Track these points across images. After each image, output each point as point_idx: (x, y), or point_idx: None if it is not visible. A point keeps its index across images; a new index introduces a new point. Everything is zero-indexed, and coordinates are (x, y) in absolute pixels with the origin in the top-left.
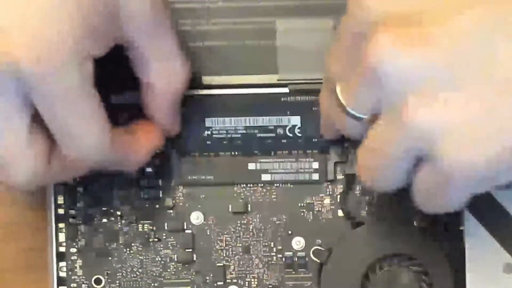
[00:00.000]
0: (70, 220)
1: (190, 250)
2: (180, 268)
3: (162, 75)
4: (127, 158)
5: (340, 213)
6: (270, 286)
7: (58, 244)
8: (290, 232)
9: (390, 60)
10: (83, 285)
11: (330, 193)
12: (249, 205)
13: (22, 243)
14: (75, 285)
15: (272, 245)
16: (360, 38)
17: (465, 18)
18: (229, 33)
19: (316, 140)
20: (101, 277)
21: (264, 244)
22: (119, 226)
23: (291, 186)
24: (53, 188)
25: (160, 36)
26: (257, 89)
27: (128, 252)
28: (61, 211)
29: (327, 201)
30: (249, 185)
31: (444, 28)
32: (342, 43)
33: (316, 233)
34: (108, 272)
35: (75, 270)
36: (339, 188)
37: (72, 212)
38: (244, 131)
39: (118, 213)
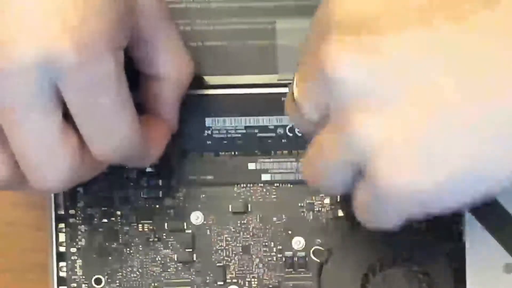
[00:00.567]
0: (70, 220)
1: (190, 250)
2: (180, 268)
3: (173, 67)
4: (148, 151)
5: (340, 213)
6: (270, 286)
7: (58, 244)
8: (290, 232)
9: (338, 67)
10: (83, 285)
11: None
12: (249, 205)
13: (22, 243)
14: (75, 285)
15: (272, 245)
16: (320, 36)
17: (422, 31)
18: (229, 33)
19: None
20: (101, 277)
21: (264, 244)
22: (119, 226)
23: (291, 186)
24: None
25: (168, 29)
26: (257, 89)
27: (128, 252)
28: (61, 211)
29: (327, 201)
30: (249, 185)
31: (396, 39)
32: (308, 39)
33: (316, 233)
34: (108, 272)
35: (75, 270)
36: None
37: (72, 212)
38: (244, 131)
39: (118, 213)
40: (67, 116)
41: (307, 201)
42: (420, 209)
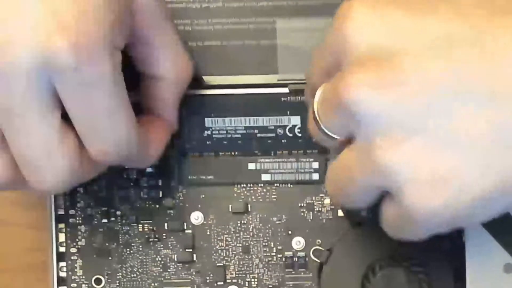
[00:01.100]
0: (70, 220)
1: (190, 250)
2: (180, 268)
3: (172, 66)
4: (147, 152)
5: (340, 213)
6: (270, 286)
7: (58, 244)
8: (290, 232)
9: (362, 100)
10: (83, 285)
11: None
12: (249, 205)
13: (22, 243)
14: (75, 285)
15: (272, 245)
16: (338, 61)
17: (440, 66)
18: (229, 33)
19: None
20: (101, 277)
21: (264, 244)
22: (119, 226)
23: (291, 186)
24: None
25: (167, 29)
26: (257, 89)
27: (128, 252)
28: (61, 211)
29: (327, 201)
30: (249, 185)
31: (418, 74)
32: (323, 56)
33: (316, 233)
34: (108, 272)
35: (75, 270)
36: None
37: (72, 212)
38: (244, 131)
39: (118, 213)
40: (66, 117)
41: (307, 201)
42: (450, 227)
